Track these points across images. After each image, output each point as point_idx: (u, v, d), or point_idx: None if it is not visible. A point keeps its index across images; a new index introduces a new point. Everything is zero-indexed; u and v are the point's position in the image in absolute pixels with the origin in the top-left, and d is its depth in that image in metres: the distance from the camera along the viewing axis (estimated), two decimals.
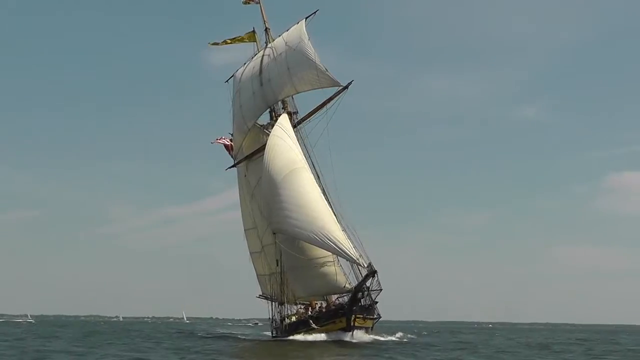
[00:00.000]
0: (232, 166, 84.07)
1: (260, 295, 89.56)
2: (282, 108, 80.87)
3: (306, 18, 78.95)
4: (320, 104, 78.01)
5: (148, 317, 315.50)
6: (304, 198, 69.55)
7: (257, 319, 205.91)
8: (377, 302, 71.97)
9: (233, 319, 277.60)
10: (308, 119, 79.11)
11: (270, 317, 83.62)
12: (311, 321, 72.75)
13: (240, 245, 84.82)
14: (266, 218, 73.54)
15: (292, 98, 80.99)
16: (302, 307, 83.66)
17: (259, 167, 79.20)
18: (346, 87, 76.45)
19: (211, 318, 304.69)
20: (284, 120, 76.53)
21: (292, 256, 73.05)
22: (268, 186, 71.94)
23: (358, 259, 65.98)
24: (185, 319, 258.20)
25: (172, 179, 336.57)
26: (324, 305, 78.68)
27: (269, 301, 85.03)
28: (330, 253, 71.12)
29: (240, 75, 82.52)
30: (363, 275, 67.88)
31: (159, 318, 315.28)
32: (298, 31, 79.01)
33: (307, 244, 72.54)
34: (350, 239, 67.21)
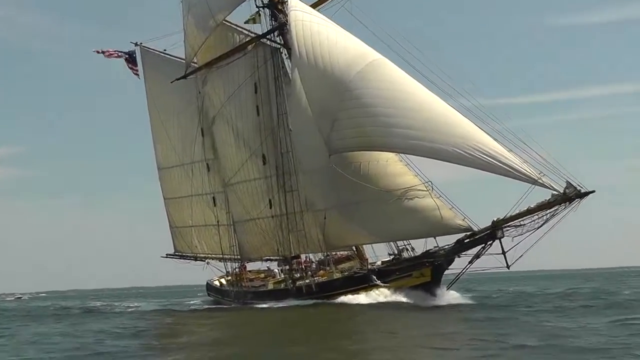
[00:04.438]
0: (184, 77, 44.13)
1: (174, 253, 51.05)
2: None
3: None
4: None
5: None
6: (416, 99, 37.86)
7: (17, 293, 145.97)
8: None
9: None
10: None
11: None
12: (373, 276, 40.54)
13: None
14: (327, 135, 39.16)
15: None
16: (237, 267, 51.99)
17: (231, 75, 41.86)
18: None
19: None
20: (297, 2, 42.83)
21: (351, 188, 40.04)
22: (328, 90, 38.95)
23: (540, 179, 34.48)
24: None
25: None
26: (313, 260, 47.27)
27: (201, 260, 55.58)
28: (418, 181, 39.68)
29: None
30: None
31: None
32: None
33: (373, 171, 40.71)
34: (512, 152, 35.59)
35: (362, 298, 39.67)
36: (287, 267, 49.09)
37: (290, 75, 44.08)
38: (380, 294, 39.63)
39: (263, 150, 46.30)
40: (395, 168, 39.98)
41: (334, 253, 45.55)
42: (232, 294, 49.50)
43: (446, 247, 39.00)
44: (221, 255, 52.03)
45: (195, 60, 49.02)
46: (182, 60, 51.27)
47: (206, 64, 48.28)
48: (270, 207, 46.18)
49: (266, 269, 51.82)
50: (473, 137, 35.20)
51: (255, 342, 25.39)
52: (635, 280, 79.17)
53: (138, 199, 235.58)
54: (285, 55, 46.11)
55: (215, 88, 48.17)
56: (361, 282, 40.75)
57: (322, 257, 45.85)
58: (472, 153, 34.80)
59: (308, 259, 47.62)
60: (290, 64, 45.32)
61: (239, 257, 49.58)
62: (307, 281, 43.57)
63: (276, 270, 50.57)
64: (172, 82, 49.93)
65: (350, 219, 40.85)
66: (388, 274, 40.26)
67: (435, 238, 39.99)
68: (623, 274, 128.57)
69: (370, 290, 40.01)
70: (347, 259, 45.34)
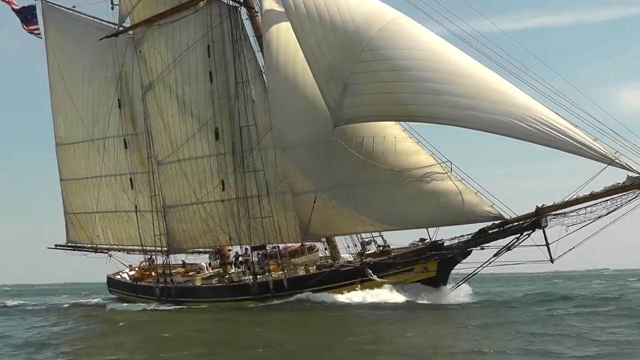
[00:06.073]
0: (115, 34, 33.97)
1: (67, 244, 40.87)
2: None
3: None
4: None
5: None
6: (459, 63, 29.34)
7: None
8: None
9: None
10: None
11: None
12: (369, 270, 31.40)
13: None
14: (334, 102, 29.98)
15: None
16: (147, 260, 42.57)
17: (177, 35, 32.65)
18: None
19: None
20: None
21: (351, 167, 31.40)
22: (340, 50, 30.04)
23: (617, 158, 26.91)
24: None
25: None
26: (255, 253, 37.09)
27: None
28: (433, 161, 30.95)
29: None
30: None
31: None
32: None
33: (379, 148, 31.51)
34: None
35: (351, 296, 30.96)
36: (219, 260, 39.36)
37: (263, 36, 34.65)
38: (373, 292, 31.04)
39: (216, 123, 36.01)
40: (406, 145, 31.71)
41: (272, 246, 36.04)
42: (155, 290, 38.22)
43: (463, 236, 30.82)
44: (133, 246, 40.85)
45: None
46: (98, 20, 40.30)
47: (145, 20, 37.20)
48: (223, 190, 35.88)
49: (181, 262, 41.21)
50: (536, 109, 27.70)
51: None
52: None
53: None
54: (246, 16, 36.29)
55: (155, 49, 37.61)
56: (350, 276, 31.85)
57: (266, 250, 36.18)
58: (538, 127, 27.27)
59: (246, 252, 37.88)
60: (251, 24, 36.37)
61: (165, 248, 38.42)
62: (275, 275, 33.86)
63: (204, 264, 40.25)
64: (100, 40, 38.55)
65: (347, 204, 32.11)
66: (386, 267, 31.42)
67: (427, 229, 31.92)
68: None
69: (363, 287, 31.28)
70: (310, 250, 36.05)
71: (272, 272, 34.51)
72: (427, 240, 32.19)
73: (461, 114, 28.07)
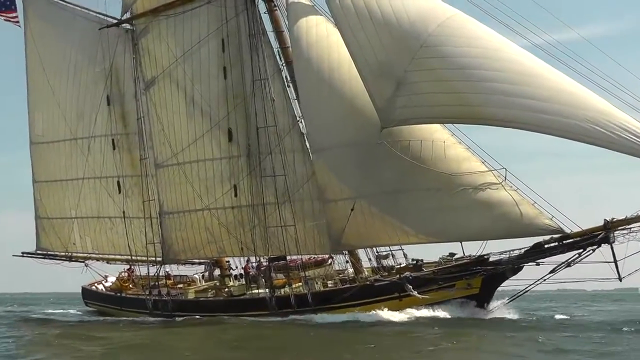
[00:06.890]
0: (117, 24, 29.98)
1: (36, 251, 36.10)
2: None
3: None
4: None
5: None
6: (528, 62, 25.86)
7: None
8: None
9: None
10: None
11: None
12: (409, 285, 27.64)
13: None
14: (385, 101, 26.15)
15: None
16: (126, 271, 37.91)
17: (187, 27, 30.15)
18: None
19: None
20: None
21: (395, 172, 27.91)
22: (394, 46, 26.39)
23: None
24: None
25: None
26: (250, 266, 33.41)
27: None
28: (485, 169, 27.63)
29: None
30: None
31: None
32: None
33: (427, 152, 28.03)
34: None
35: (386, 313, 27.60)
36: (218, 272, 35.27)
37: (287, 30, 31.15)
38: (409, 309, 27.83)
39: (229, 123, 31.82)
40: (456, 151, 28.50)
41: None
42: (147, 303, 33.37)
43: (514, 251, 27.72)
44: (115, 255, 36.11)
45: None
46: (86, 10, 35.81)
47: (151, 10, 32.80)
48: (235, 195, 31.60)
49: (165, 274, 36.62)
50: (614, 114, 24.89)
51: None
52: None
53: None
54: (265, 9, 32.43)
55: (161, 41, 33.32)
56: (387, 292, 28.21)
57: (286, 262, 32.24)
58: (620, 134, 24.36)
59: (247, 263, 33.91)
60: (270, 19, 32.66)
61: (158, 258, 33.84)
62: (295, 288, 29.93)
63: (197, 277, 35.79)
64: (100, 29, 33.93)
65: (388, 212, 28.57)
66: (426, 282, 27.97)
67: (461, 244, 28.71)
68: None
69: (400, 303, 27.83)
70: (323, 262, 32.30)
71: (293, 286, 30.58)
72: (456, 255, 29.22)
73: (537, 118, 24.98)
